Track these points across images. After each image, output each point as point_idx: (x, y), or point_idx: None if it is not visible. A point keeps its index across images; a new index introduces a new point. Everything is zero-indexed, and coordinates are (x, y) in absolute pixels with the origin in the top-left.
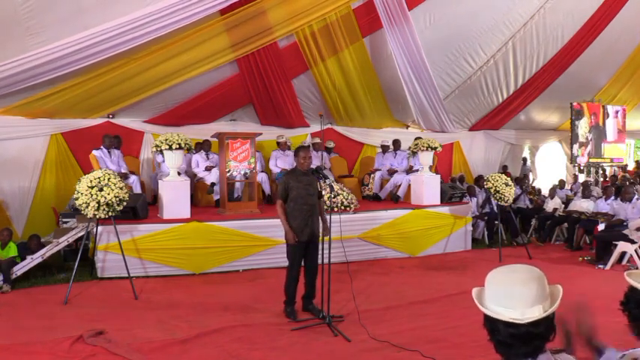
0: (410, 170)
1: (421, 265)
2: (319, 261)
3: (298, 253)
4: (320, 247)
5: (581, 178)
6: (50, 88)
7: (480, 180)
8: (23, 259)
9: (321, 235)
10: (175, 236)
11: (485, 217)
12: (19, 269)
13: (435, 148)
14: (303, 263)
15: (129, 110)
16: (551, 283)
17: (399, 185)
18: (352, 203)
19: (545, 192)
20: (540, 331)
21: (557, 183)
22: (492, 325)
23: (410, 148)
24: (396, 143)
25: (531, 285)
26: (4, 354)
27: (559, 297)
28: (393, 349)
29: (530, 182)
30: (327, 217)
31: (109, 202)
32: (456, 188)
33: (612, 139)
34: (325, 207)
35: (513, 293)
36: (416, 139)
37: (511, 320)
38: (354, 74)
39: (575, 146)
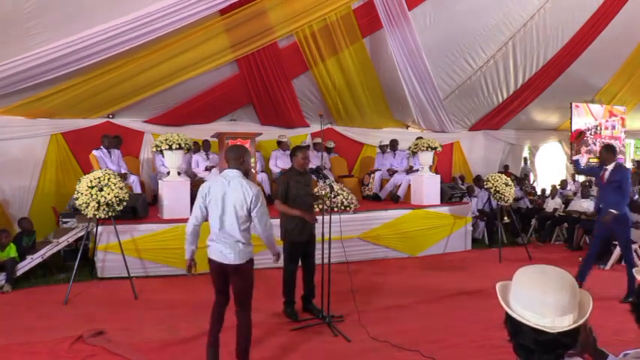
0: (410, 170)
1: (421, 265)
2: (319, 261)
3: (296, 253)
4: (319, 246)
5: (581, 178)
6: (50, 88)
7: (478, 180)
8: (22, 258)
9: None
10: (175, 236)
11: (485, 217)
12: (19, 269)
13: (435, 148)
14: (300, 263)
15: (129, 110)
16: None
17: (399, 185)
18: (352, 203)
19: (546, 192)
20: (567, 340)
21: (558, 183)
22: (516, 328)
23: (410, 148)
24: (393, 143)
25: (565, 293)
26: (4, 354)
27: (589, 306)
28: (393, 349)
29: (531, 182)
30: (327, 217)
31: (109, 202)
32: (455, 188)
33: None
34: (325, 207)
35: (546, 300)
36: (417, 138)
37: (540, 328)
38: (354, 74)
39: (583, 148)
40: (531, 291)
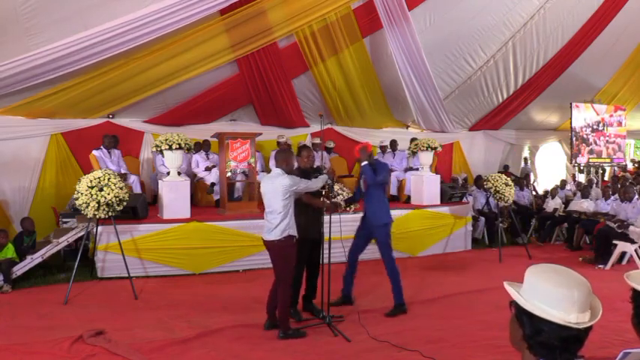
0: (409, 170)
1: (421, 265)
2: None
3: (304, 252)
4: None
5: (581, 178)
6: (50, 88)
7: (479, 180)
8: (22, 257)
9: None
10: (175, 236)
11: (482, 217)
12: (19, 269)
13: (435, 148)
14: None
15: (129, 110)
16: None
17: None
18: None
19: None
20: (584, 336)
21: (558, 183)
22: (537, 326)
23: (410, 148)
24: (393, 144)
25: (584, 288)
26: (4, 354)
27: (598, 302)
28: (393, 349)
29: (532, 182)
30: (327, 217)
31: (109, 202)
32: (455, 188)
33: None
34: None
35: (574, 297)
36: (412, 140)
37: (567, 324)
38: (354, 74)
39: (583, 147)
40: (558, 288)
